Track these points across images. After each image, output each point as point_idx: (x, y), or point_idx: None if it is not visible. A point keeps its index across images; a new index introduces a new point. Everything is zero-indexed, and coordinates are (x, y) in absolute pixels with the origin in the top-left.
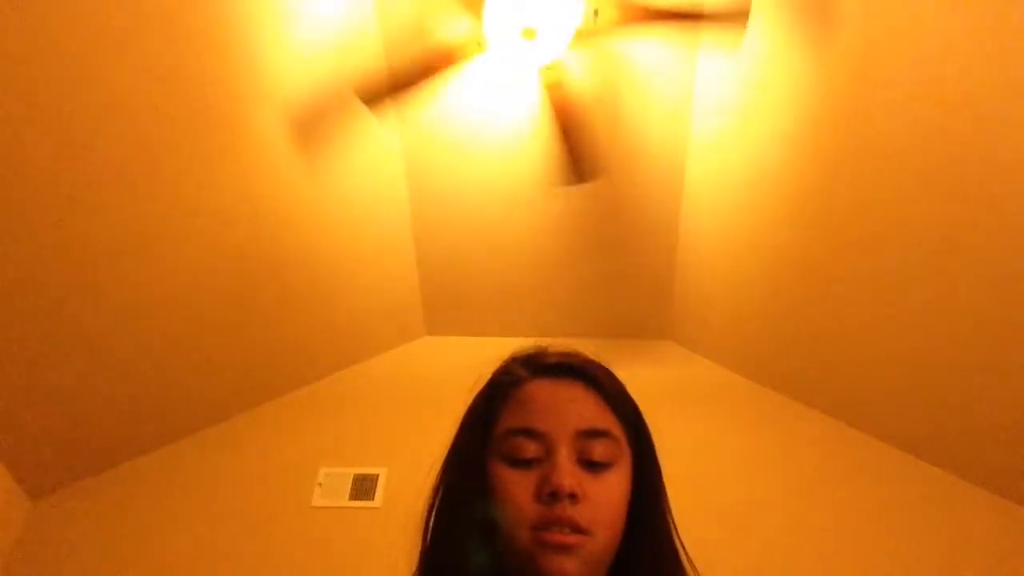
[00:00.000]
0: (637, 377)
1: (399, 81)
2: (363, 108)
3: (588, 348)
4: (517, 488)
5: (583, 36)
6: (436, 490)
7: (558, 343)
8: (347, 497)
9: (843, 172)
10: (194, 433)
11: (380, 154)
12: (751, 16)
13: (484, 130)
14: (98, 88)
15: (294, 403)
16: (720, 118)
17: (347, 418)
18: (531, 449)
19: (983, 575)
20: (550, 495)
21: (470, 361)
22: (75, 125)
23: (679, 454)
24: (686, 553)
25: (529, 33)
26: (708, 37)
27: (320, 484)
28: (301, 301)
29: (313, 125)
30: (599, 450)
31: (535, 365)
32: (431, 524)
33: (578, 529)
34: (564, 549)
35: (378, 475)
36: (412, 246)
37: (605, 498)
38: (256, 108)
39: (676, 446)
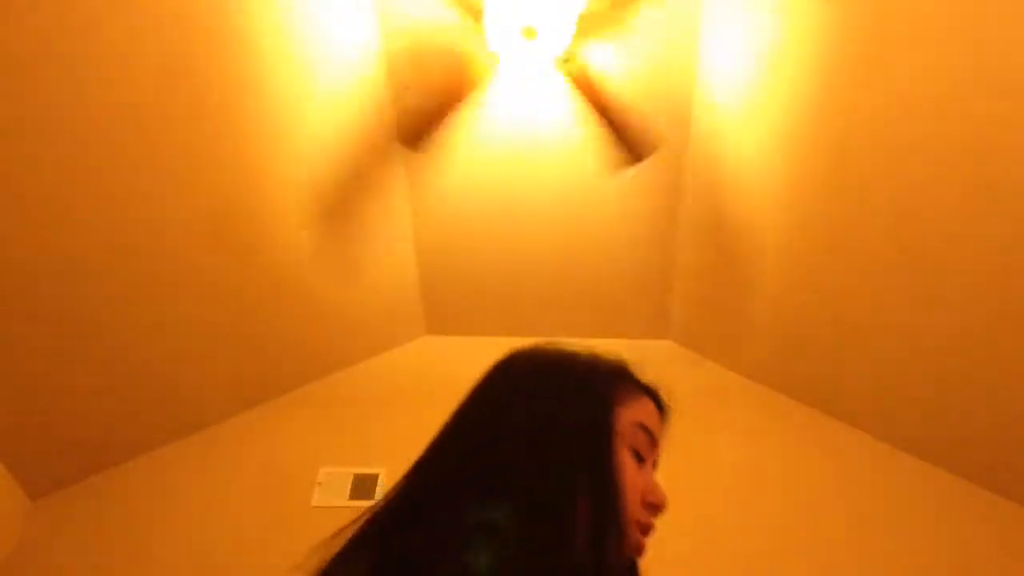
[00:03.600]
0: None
1: (427, 122)
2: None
3: (587, 348)
4: (635, 483)
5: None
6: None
7: (574, 343)
8: (347, 497)
9: (844, 172)
10: (194, 433)
11: (381, 155)
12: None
13: (485, 130)
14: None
15: (294, 403)
16: (722, 116)
17: (347, 418)
18: (648, 451)
19: (983, 575)
20: (654, 506)
21: (470, 361)
22: (80, 129)
23: (678, 454)
24: None
25: (529, 32)
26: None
27: (320, 484)
28: (301, 301)
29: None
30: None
31: (658, 399)
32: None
33: None
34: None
35: (378, 475)
36: (412, 246)
37: None
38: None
39: (675, 446)
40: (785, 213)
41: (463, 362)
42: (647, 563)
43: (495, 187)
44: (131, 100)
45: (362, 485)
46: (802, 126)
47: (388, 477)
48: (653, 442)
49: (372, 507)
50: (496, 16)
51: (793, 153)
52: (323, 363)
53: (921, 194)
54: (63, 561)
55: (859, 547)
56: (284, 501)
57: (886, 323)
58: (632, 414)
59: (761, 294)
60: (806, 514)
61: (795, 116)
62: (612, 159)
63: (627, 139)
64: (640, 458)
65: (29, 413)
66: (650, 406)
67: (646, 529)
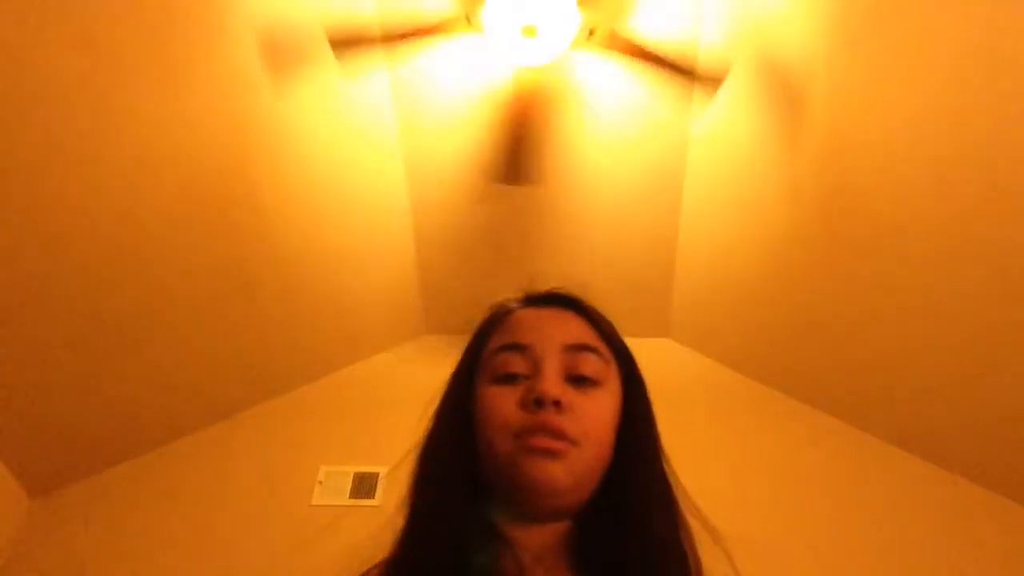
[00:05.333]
0: None
1: (378, 36)
2: (333, 53)
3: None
4: (501, 400)
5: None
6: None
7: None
8: (347, 495)
9: (844, 171)
10: (194, 432)
11: (380, 153)
12: (723, 83)
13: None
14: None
15: (294, 402)
16: (720, 112)
17: (347, 417)
18: (517, 363)
19: (984, 575)
20: (535, 402)
21: None
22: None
23: (677, 452)
24: (677, 481)
25: (530, 31)
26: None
27: (320, 482)
28: (301, 300)
29: (286, 58)
30: (586, 365)
31: (525, 298)
32: (416, 467)
33: (563, 437)
34: (550, 454)
35: (378, 473)
36: (412, 245)
37: (592, 413)
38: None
39: (674, 444)
40: (785, 213)
41: None
42: None
43: (495, 186)
44: (139, 106)
45: (362, 484)
46: (800, 128)
47: (388, 476)
48: (522, 350)
49: None
50: (496, 13)
51: (792, 154)
52: (323, 362)
53: (919, 194)
54: (63, 560)
55: (857, 545)
56: (284, 500)
57: (886, 322)
58: (493, 343)
59: (761, 293)
60: (806, 512)
61: (793, 118)
62: (493, 171)
63: (514, 164)
64: (507, 378)
65: (29, 412)
66: (514, 318)
67: (530, 431)
